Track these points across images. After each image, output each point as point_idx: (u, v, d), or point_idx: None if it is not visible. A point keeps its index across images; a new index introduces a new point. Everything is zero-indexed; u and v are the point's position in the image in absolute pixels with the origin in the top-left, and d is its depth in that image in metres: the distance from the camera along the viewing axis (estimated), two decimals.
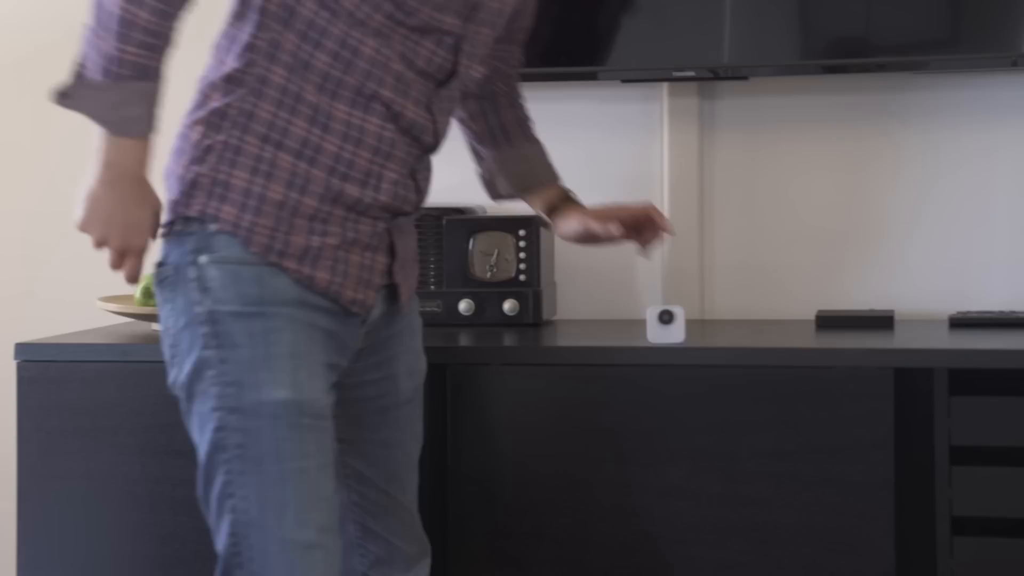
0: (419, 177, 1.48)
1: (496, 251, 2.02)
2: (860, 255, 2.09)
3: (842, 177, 2.11)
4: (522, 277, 2.02)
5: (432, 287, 2.02)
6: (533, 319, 2.01)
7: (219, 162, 1.38)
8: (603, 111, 2.17)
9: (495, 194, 1.74)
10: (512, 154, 1.73)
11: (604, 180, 2.14)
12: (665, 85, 2.11)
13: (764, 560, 1.70)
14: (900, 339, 1.84)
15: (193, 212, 1.38)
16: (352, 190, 1.40)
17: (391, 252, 1.46)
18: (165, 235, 1.43)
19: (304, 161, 1.39)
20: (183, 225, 1.40)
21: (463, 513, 1.77)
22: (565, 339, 1.95)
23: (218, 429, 1.38)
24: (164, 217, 1.42)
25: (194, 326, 1.39)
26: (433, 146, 1.48)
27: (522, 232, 2.01)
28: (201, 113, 1.40)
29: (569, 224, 1.69)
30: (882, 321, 1.94)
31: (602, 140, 2.17)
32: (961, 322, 1.93)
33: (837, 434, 1.68)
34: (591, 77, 2.11)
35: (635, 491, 1.73)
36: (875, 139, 2.10)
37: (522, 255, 2.01)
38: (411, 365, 1.55)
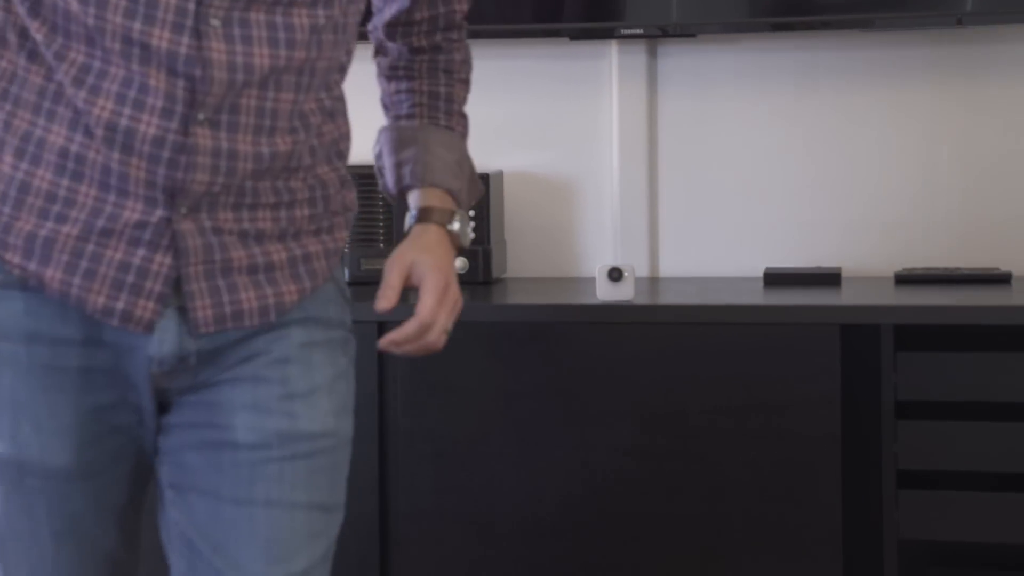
0: (213, 135, 1.04)
1: None
2: (807, 213, 2.11)
3: (790, 135, 2.12)
4: (472, 234, 2.01)
5: (381, 245, 2.02)
6: (483, 277, 2.01)
7: None
8: (552, 69, 2.16)
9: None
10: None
11: (553, 139, 2.14)
12: (614, 43, 2.11)
13: (713, 514, 1.72)
14: (847, 296, 1.86)
15: None
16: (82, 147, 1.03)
17: (174, 250, 1.05)
18: None
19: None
20: None
21: (411, 471, 1.77)
22: (515, 297, 1.95)
23: None
24: None
25: None
26: (224, 84, 1.03)
27: None
28: None
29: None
30: (829, 278, 1.96)
31: (551, 98, 2.16)
32: (907, 279, 1.95)
33: (784, 390, 1.70)
34: (539, 35, 2.10)
35: (586, 448, 1.74)
36: (822, 97, 2.11)
37: (472, 212, 2.01)
38: (255, 424, 1.09)
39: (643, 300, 1.82)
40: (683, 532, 1.72)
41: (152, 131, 1.01)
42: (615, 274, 1.77)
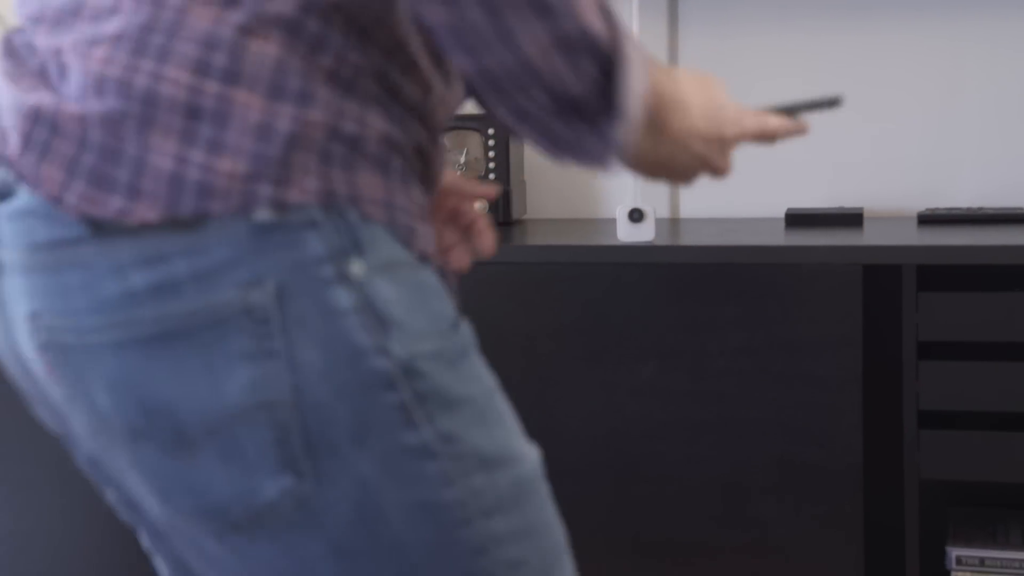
0: None
1: (465, 149, 2.01)
2: (830, 153, 2.09)
3: (811, 73, 2.10)
4: (491, 176, 2.01)
5: None
6: (503, 218, 2.01)
7: (339, 98, 0.83)
8: None
9: None
10: None
11: None
12: None
13: (733, 455, 1.72)
14: (869, 236, 1.85)
15: (305, 195, 0.80)
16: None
17: None
18: (226, 233, 0.79)
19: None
20: (279, 215, 0.79)
21: None
22: (535, 238, 1.95)
23: (480, 553, 0.84)
24: (218, 199, 0.80)
25: (367, 396, 0.80)
26: None
27: (491, 131, 2.00)
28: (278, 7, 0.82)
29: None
30: (851, 219, 1.95)
31: None
32: (929, 219, 1.94)
33: (806, 330, 1.69)
34: None
35: (605, 389, 1.74)
36: (844, 34, 2.08)
37: (491, 153, 2.00)
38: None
39: (663, 241, 1.81)
40: (704, 473, 1.72)
41: None
42: (636, 215, 1.77)
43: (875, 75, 2.08)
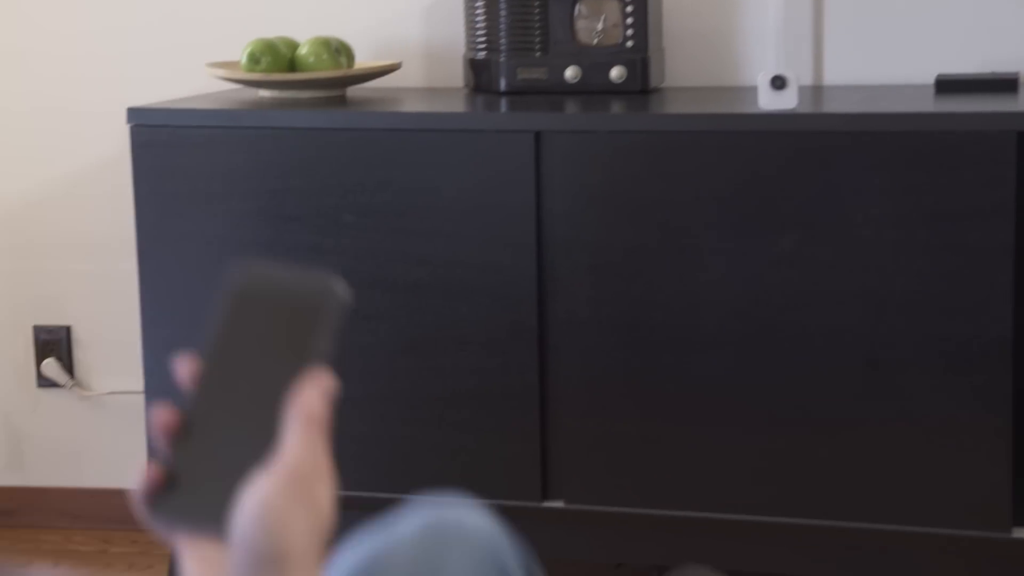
0: None
1: (603, 16, 1.97)
2: (983, 14, 2.01)
3: None
4: (629, 43, 1.97)
5: (537, 54, 1.99)
6: (641, 86, 1.97)
7: None
8: None
9: None
10: None
11: None
12: None
13: (877, 327, 1.69)
14: None
15: None
16: None
17: None
18: None
19: None
20: None
21: (569, 281, 1.77)
22: (674, 106, 1.92)
23: None
24: None
25: None
26: None
27: None
28: None
29: None
30: (1005, 84, 1.88)
31: None
32: None
33: (956, 199, 1.65)
34: None
35: (746, 259, 1.72)
36: None
37: (629, 20, 1.96)
38: None
39: (807, 109, 1.77)
40: (845, 345, 1.70)
41: None
42: (778, 82, 1.72)
43: None
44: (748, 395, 1.74)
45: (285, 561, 0.63)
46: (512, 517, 1.82)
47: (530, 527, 1.83)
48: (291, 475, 0.65)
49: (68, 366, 2.37)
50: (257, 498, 0.64)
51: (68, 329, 2.37)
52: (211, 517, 0.67)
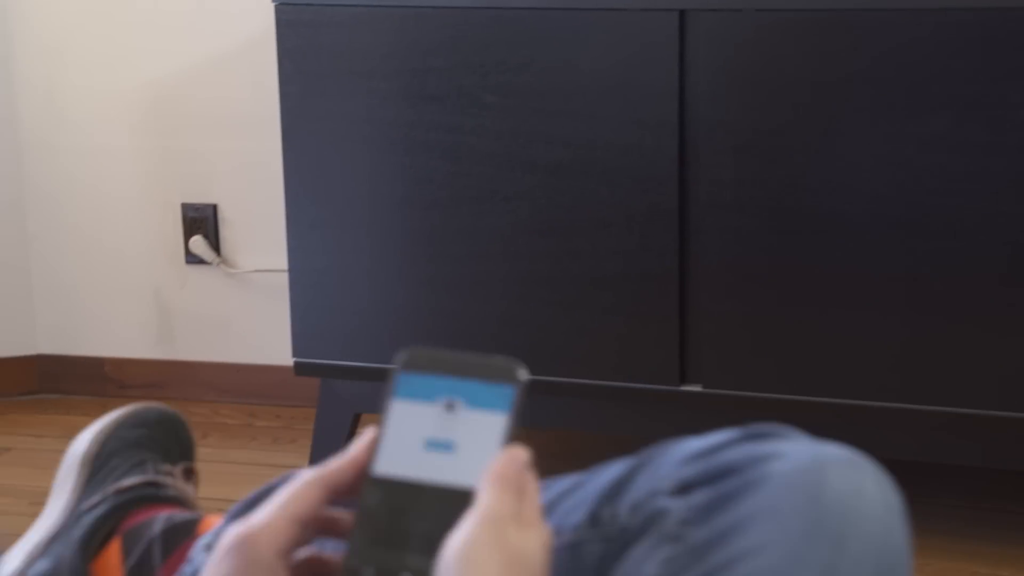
0: None
1: None
2: None
3: None
4: None
5: None
6: None
7: None
8: None
9: None
10: None
11: None
12: None
13: None
14: None
15: None
16: None
17: None
18: None
19: None
20: None
21: (712, 162, 1.75)
22: None
23: None
24: None
25: None
26: None
27: None
28: None
29: None
30: None
31: None
32: None
33: None
34: None
35: (896, 141, 1.67)
36: None
37: None
38: None
39: None
40: (996, 231, 1.65)
41: None
42: None
43: None
44: (892, 281, 1.70)
45: None
46: (650, 401, 1.83)
47: (667, 411, 1.83)
48: (485, 521, 0.64)
49: (215, 244, 2.43)
50: (452, 548, 0.64)
51: (215, 207, 2.42)
52: None
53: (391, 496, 0.69)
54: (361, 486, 0.69)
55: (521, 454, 0.68)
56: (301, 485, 0.68)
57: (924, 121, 1.66)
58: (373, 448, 0.70)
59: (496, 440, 0.70)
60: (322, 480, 0.69)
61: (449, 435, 0.70)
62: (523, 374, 0.71)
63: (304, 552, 0.69)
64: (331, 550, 0.69)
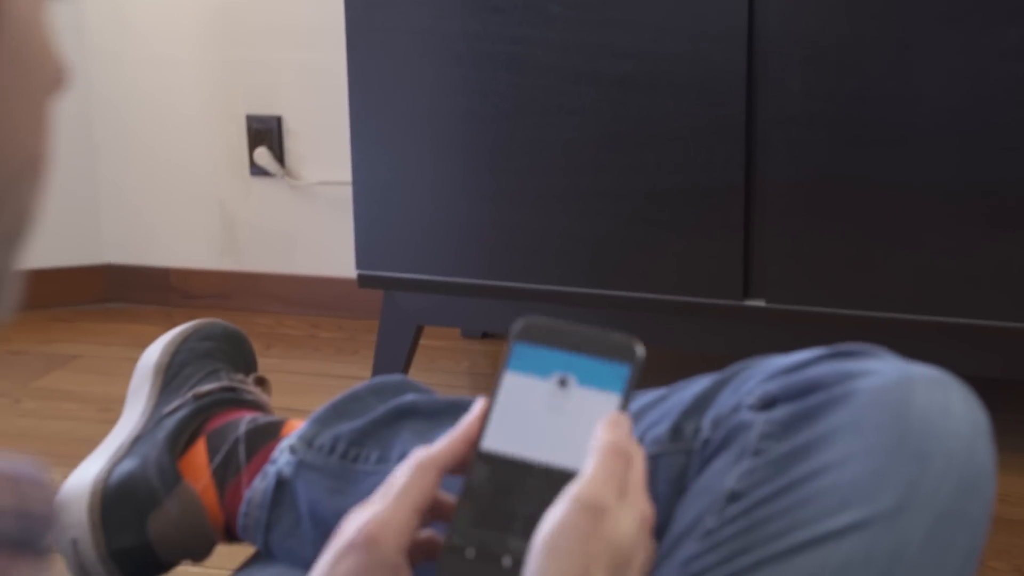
0: None
1: None
2: None
3: None
4: None
5: None
6: None
7: None
8: None
9: None
10: None
11: None
12: None
13: None
14: None
15: None
16: None
17: None
18: None
19: None
20: None
21: (780, 74, 1.72)
22: None
23: None
24: None
25: None
26: None
27: None
28: None
29: None
30: None
31: None
32: None
33: None
34: None
35: (970, 52, 1.64)
36: None
37: None
38: None
39: None
40: None
41: None
42: None
43: None
44: (965, 197, 1.67)
45: None
46: (712, 316, 1.82)
47: (730, 327, 1.83)
48: (579, 506, 0.62)
49: (279, 155, 2.44)
50: (546, 530, 0.62)
51: (279, 119, 2.43)
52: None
53: (497, 474, 0.68)
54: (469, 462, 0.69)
55: (627, 420, 0.66)
56: (417, 471, 0.67)
57: (1000, 32, 1.62)
58: (482, 422, 0.69)
59: None
60: (436, 462, 0.67)
61: (560, 413, 0.69)
62: (641, 352, 0.69)
63: (420, 534, 0.68)
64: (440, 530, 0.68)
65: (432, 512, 0.68)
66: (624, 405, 0.68)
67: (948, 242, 1.69)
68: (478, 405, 0.69)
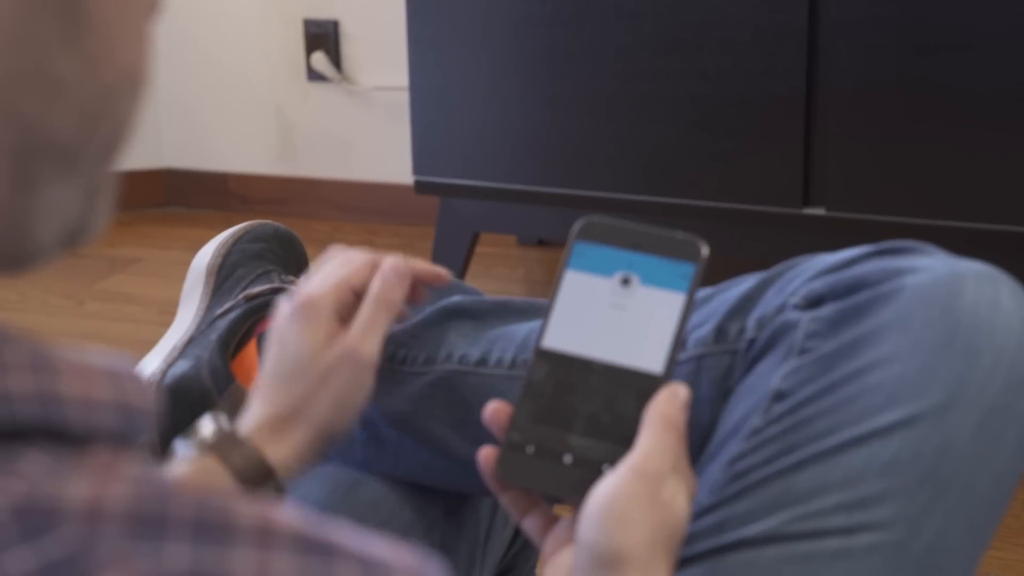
0: None
1: None
2: None
3: None
4: None
5: None
6: None
7: None
8: None
9: None
10: None
11: None
12: None
13: None
14: None
15: None
16: None
17: None
18: None
19: None
20: None
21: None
22: None
23: None
24: None
25: None
26: None
27: None
28: None
29: None
30: None
31: None
32: None
33: None
34: None
35: None
36: None
37: None
38: None
39: None
40: None
41: None
42: None
43: None
44: None
45: (622, 563, 0.61)
46: (771, 225, 1.80)
47: (789, 235, 1.81)
48: (640, 476, 0.62)
49: (336, 60, 2.43)
50: (601, 498, 0.62)
51: (336, 24, 2.41)
52: (554, 481, 0.66)
53: (558, 371, 0.68)
54: (530, 357, 0.69)
55: (682, 391, 0.66)
56: (355, 260, 0.80)
57: None
58: (416, 268, 0.78)
59: (671, 321, 0.67)
60: (372, 259, 0.80)
61: (622, 312, 0.68)
62: (705, 251, 0.68)
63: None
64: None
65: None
66: (689, 305, 0.67)
67: (1014, 147, 1.66)
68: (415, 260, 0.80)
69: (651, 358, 0.67)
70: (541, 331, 0.68)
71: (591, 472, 0.65)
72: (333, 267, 0.80)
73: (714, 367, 0.75)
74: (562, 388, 0.67)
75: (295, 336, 0.77)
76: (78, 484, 0.33)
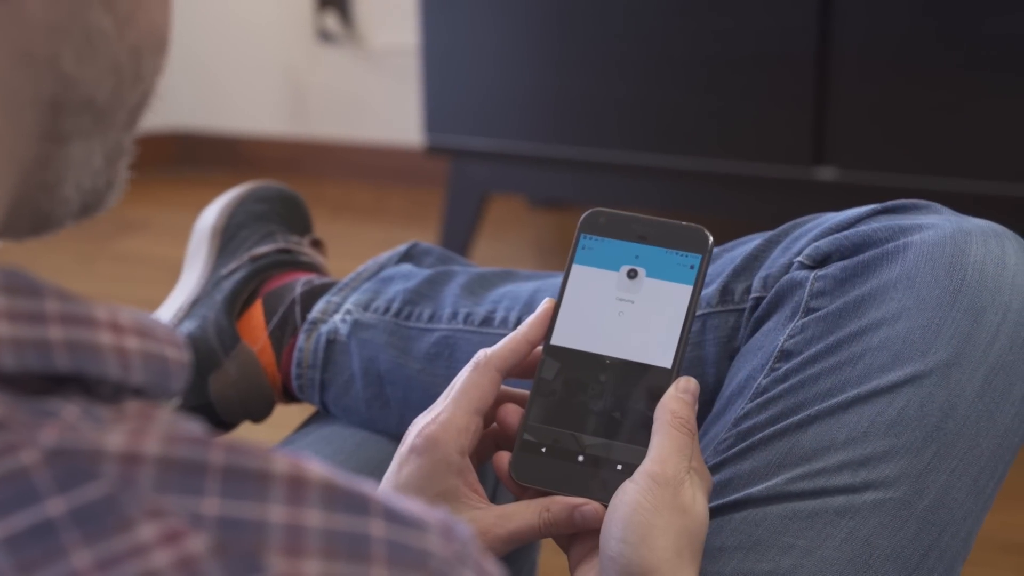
0: None
1: None
2: None
3: None
4: None
5: None
6: None
7: None
8: None
9: None
10: None
11: None
12: None
13: None
14: None
15: None
16: None
17: None
18: None
19: None
20: None
21: None
22: None
23: None
24: None
25: None
26: None
27: None
28: None
29: None
30: None
31: None
32: None
33: None
34: None
35: None
36: None
37: None
38: None
39: None
40: None
41: None
42: None
43: None
44: None
45: (650, 574, 0.60)
46: (783, 185, 1.79)
47: (801, 196, 1.80)
48: (657, 484, 0.62)
49: (347, 19, 2.42)
50: (622, 510, 0.62)
51: None
52: (570, 481, 0.65)
53: (568, 369, 0.67)
54: (538, 359, 0.67)
55: (692, 385, 0.66)
56: (476, 372, 0.66)
57: None
58: (548, 322, 0.67)
59: (679, 314, 0.67)
60: (495, 362, 0.66)
61: (630, 307, 0.68)
62: (711, 241, 0.68)
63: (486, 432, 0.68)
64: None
65: (498, 411, 0.67)
66: (696, 296, 0.67)
67: None
68: (544, 306, 0.68)
69: (660, 352, 0.67)
70: (550, 330, 0.68)
71: (606, 471, 0.65)
72: (464, 385, 0.67)
73: (720, 327, 0.75)
74: (573, 386, 0.67)
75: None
76: (116, 430, 0.34)
